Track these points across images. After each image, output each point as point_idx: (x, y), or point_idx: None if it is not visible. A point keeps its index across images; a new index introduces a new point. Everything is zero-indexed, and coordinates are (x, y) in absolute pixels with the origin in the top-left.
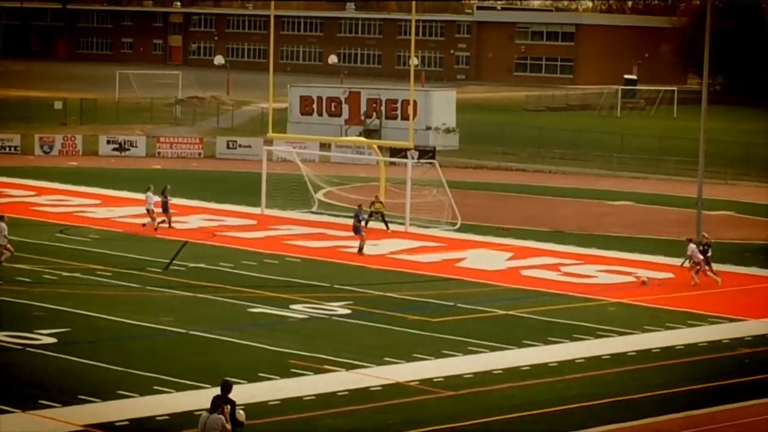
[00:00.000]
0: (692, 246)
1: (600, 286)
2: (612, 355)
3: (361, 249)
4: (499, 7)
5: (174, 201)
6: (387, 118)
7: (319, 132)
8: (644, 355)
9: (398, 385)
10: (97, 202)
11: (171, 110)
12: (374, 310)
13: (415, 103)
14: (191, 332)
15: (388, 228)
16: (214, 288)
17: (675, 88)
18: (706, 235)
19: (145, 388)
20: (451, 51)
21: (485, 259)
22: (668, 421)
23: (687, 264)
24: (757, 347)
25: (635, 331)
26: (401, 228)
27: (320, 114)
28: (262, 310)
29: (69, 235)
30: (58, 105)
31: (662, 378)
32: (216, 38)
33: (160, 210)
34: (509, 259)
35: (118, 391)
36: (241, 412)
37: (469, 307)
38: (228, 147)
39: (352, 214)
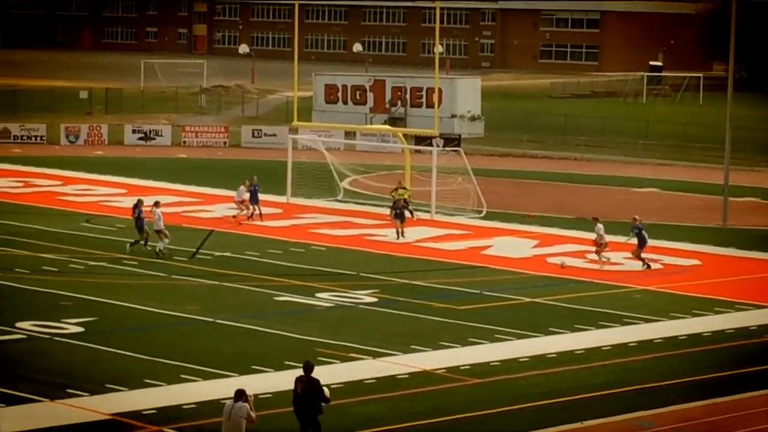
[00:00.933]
0: (599, 226)
1: (626, 273)
2: (638, 342)
3: (401, 234)
4: None
5: (200, 190)
6: (412, 106)
7: (344, 120)
8: (670, 342)
9: (425, 373)
10: (123, 191)
11: (196, 99)
12: (400, 298)
13: (440, 90)
14: (217, 321)
15: (413, 215)
16: (240, 276)
17: (701, 75)
18: (638, 217)
19: (172, 377)
20: (476, 38)
21: (511, 246)
22: (694, 408)
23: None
24: None
25: (662, 318)
26: (427, 216)
27: (345, 102)
28: (288, 298)
29: (95, 224)
30: (83, 95)
31: (688, 365)
32: (240, 27)
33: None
34: (535, 246)
35: (145, 380)
36: (326, 389)
37: (495, 294)
38: (253, 136)
39: (378, 203)
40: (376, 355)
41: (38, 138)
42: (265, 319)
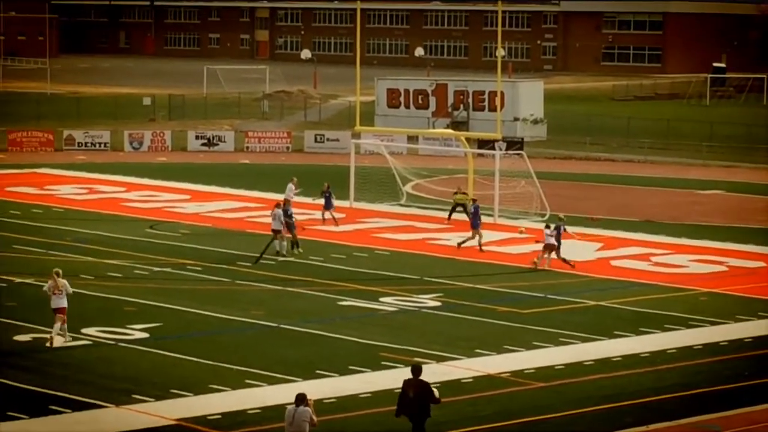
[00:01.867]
0: (547, 231)
1: (691, 275)
2: (704, 345)
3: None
4: None
5: (263, 195)
6: (474, 109)
7: (407, 124)
8: (736, 344)
9: (489, 377)
10: (187, 197)
11: (258, 105)
12: (464, 302)
13: (502, 94)
14: (282, 326)
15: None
16: (303, 281)
17: (764, 76)
18: (562, 215)
19: (237, 382)
20: (538, 41)
21: (575, 249)
22: (762, 411)
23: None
24: None
25: (727, 321)
26: (490, 219)
27: (407, 107)
28: (351, 303)
29: (159, 230)
30: (146, 101)
31: (755, 368)
32: (302, 32)
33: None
34: (599, 249)
35: (210, 385)
36: (436, 390)
37: (559, 298)
38: (316, 141)
39: (441, 206)
40: (439, 359)
41: (102, 145)
42: (328, 323)
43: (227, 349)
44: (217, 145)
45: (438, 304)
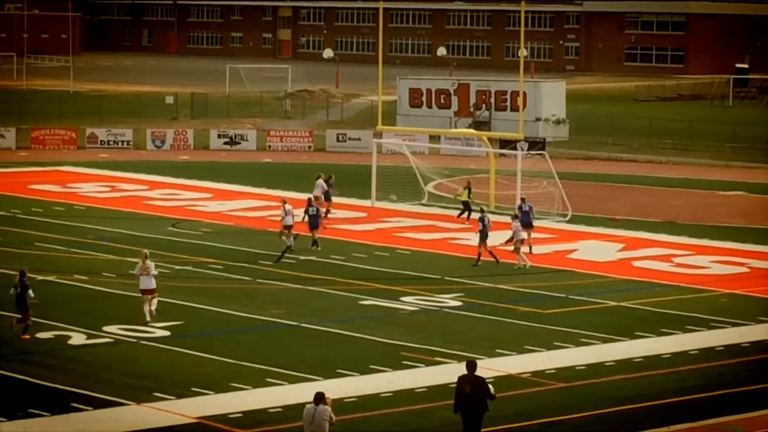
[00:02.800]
0: (516, 224)
1: (712, 276)
2: (725, 346)
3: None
4: None
5: (285, 194)
6: (496, 109)
7: (429, 124)
8: (758, 346)
9: (510, 377)
10: (209, 195)
11: (281, 104)
12: (485, 302)
13: (524, 94)
14: (302, 324)
15: (468, 218)
16: (324, 280)
17: None
18: (484, 206)
19: (258, 381)
20: (561, 42)
21: (596, 250)
22: None
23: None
24: None
25: (749, 322)
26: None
27: (429, 106)
28: (372, 302)
29: (181, 228)
30: (169, 99)
31: None
32: (325, 31)
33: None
34: (621, 250)
35: (231, 384)
36: (491, 386)
37: (580, 298)
38: (338, 140)
39: (461, 206)
40: (461, 358)
41: (125, 143)
42: (349, 323)
43: (248, 348)
44: (239, 143)
45: (459, 303)
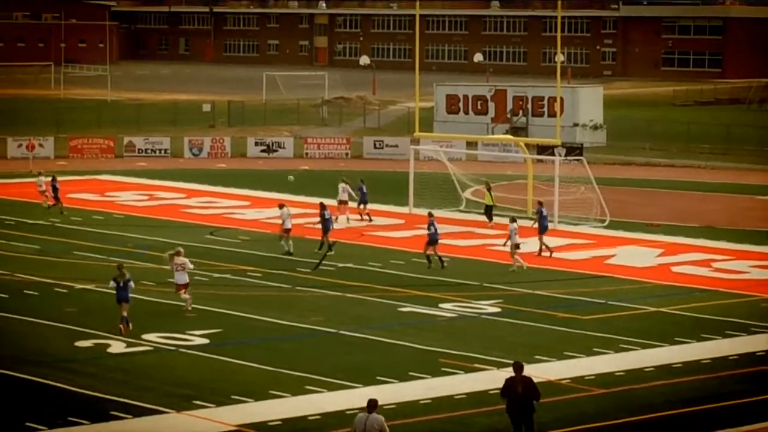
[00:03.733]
0: (514, 226)
1: (752, 281)
2: (766, 351)
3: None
4: (645, 2)
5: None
6: (533, 115)
7: (466, 130)
8: None
9: (550, 383)
10: (246, 203)
11: (317, 111)
12: (524, 308)
13: (561, 99)
14: (341, 332)
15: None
16: (362, 287)
17: None
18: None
19: (297, 388)
20: (597, 47)
21: (635, 255)
22: None
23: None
24: None
25: None
26: (549, 225)
27: (466, 112)
28: (411, 309)
29: (219, 236)
30: (206, 107)
31: None
32: (361, 38)
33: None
34: (659, 255)
35: (270, 391)
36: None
37: (619, 304)
38: (375, 147)
39: (500, 213)
40: (500, 365)
41: (162, 151)
42: (388, 329)
43: (287, 355)
44: (277, 151)
45: (498, 310)
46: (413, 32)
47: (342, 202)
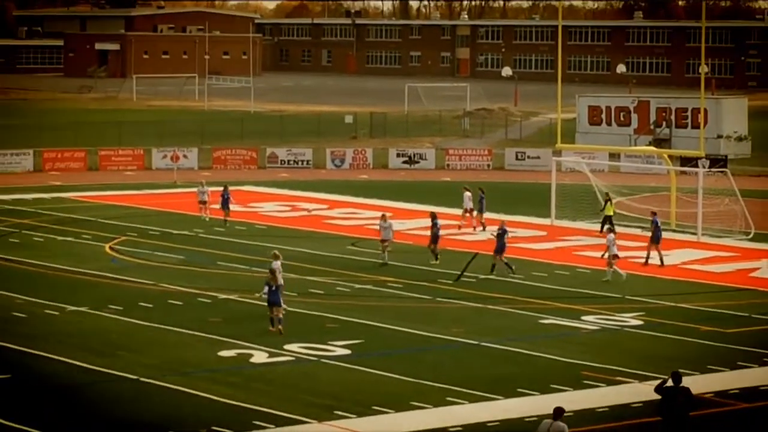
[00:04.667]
0: (611, 236)
1: None
2: None
3: (661, 260)
4: None
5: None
6: (677, 126)
7: (608, 142)
8: None
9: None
10: (388, 214)
11: (459, 122)
12: (666, 321)
13: (705, 111)
14: (482, 343)
15: (602, 230)
16: (504, 299)
17: None
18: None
19: (438, 400)
20: (742, 58)
21: None
22: None
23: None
24: None
25: None
26: (693, 237)
27: (609, 124)
28: (553, 321)
29: (360, 247)
30: (348, 119)
31: None
32: (503, 50)
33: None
34: None
35: (412, 402)
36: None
37: (764, 317)
38: (517, 158)
39: (643, 224)
40: (642, 378)
41: (305, 162)
42: (529, 341)
43: (429, 367)
44: (418, 162)
45: (640, 323)
46: (555, 43)
47: (467, 211)
